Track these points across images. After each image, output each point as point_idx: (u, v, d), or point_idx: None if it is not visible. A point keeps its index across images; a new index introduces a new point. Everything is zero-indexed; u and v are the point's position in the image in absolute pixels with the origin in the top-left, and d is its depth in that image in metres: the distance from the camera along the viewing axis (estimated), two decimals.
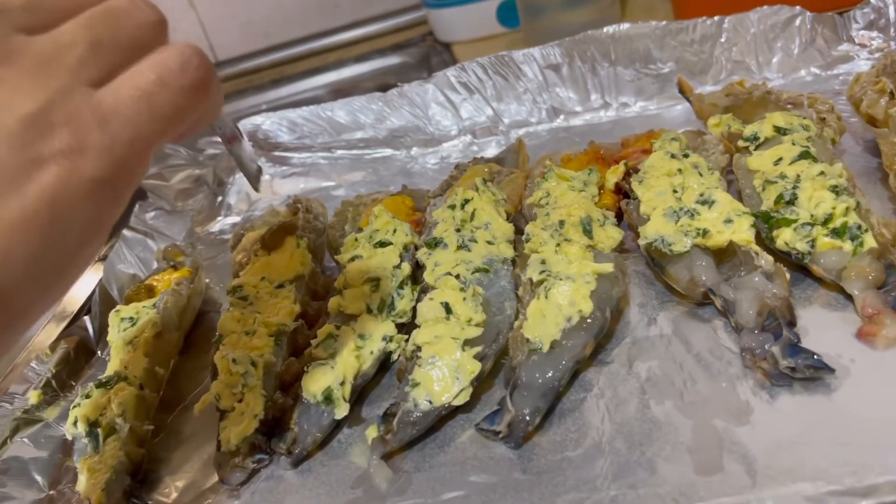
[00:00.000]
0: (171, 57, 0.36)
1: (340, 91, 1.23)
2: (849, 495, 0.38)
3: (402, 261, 0.65)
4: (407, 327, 0.61)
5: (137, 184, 0.36)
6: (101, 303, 0.75)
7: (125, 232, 0.83)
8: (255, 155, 0.61)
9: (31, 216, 0.31)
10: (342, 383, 0.56)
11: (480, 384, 0.56)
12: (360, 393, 0.59)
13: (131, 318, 0.67)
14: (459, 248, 0.63)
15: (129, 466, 0.56)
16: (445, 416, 0.55)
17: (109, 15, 0.36)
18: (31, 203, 0.31)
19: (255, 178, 0.56)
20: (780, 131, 0.65)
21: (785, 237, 0.56)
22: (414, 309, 0.61)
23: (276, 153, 0.97)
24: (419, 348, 0.56)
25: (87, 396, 0.60)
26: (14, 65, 0.33)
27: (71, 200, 0.32)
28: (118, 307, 0.69)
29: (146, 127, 0.35)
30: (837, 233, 0.55)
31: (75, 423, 0.58)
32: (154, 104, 0.35)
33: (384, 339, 0.59)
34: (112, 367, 0.62)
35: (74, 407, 0.59)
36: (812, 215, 0.56)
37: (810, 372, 0.49)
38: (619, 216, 0.66)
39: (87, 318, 0.74)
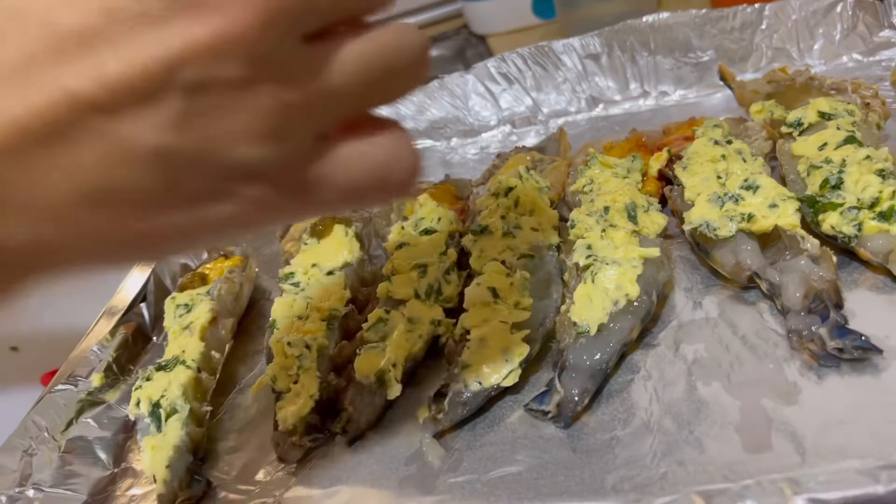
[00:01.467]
0: (400, 138, 0.32)
1: None
2: None
3: (447, 247, 0.66)
4: (454, 312, 0.63)
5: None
6: (155, 291, 0.77)
7: None
8: None
9: (194, 232, 0.29)
10: (394, 365, 0.57)
11: (528, 367, 0.57)
12: (411, 375, 0.61)
13: (186, 305, 0.69)
14: (505, 234, 0.64)
15: (191, 445, 0.59)
16: (495, 397, 0.56)
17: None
18: (202, 225, 0.29)
19: None
20: (825, 116, 0.65)
21: (831, 221, 0.57)
22: (460, 294, 0.63)
23: None
24: (468, 331, 0.58)
25: (149, 379, 0.62)
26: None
27: (223, 236, 0.31)
28: (173, 294, 0.71)
29: (336, 206, 0.31)
30: (884, 216, 0.55)
31: (138, 404, 0.61)
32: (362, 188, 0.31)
33: (433, 322, 0.61)
34: (170, 351, 0.65)
35: (136, 389, 0.62)
36: (858, 199, 0.57)
37: (858, 353, 0.49)
38: (663, 202, 0.67)
39: (143, 306, 0.77)
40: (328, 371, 0.60)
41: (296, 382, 0.59)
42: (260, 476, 0.57)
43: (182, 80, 0.25)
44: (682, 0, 1.14)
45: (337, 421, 0.57)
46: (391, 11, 0.31)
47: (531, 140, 0.90)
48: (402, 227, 0.69)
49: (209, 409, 0.62)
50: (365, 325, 0.61)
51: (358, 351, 0.59)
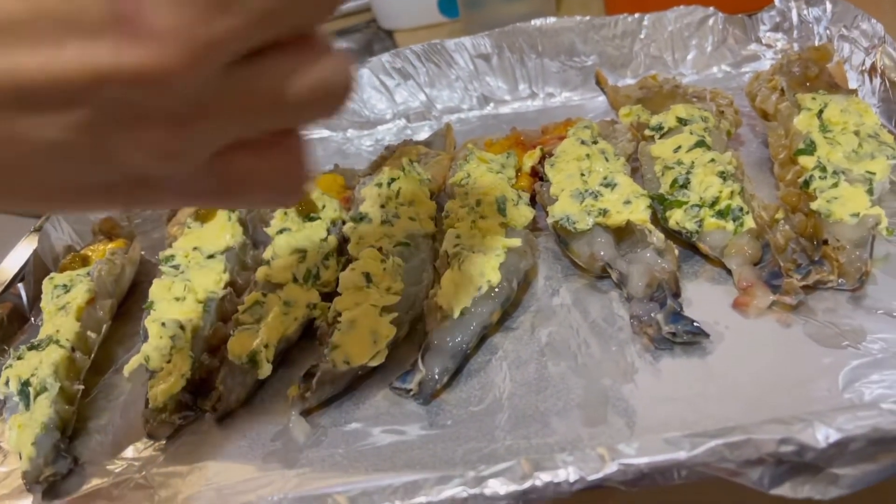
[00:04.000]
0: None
1: None
2: (701, 436, 0.43)
3: (328, 234, 0.69)
4: (332, 297, 0.65)
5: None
6: (35, 271, 0.77)
7: None
8: None
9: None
10: (266, 346, 0.59)
11: (397, 348, 0.60)
12: (285, 357, 0.63)
13: (65, 286, 0.69)
14: (383, 222, 0.67)
15: (60, 423, 0.59)
16: (363, 376, 0.59)
17: None
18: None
19: None
20: (682, 122, 0.71)
21: (676, 217, 0.62)
22: (338, 279, 0.65)
23: None
24: (340, 314, 0.60)
25: (20, 358, 0.62)
26: None
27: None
28: (52, 275, 0.71)
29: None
30: (722, 214, 0.61)
31: (7, 383, 0.60)
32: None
33: (308, 306, 0.63)
34: (45, 330, 0.65)
35: (7, 368, 0.62)
36: (701, 198, 0.62)
37: (689, 337, 0.54)
38: (534, 197, 0.71)
39: (20, 286, 0.76)
40: (203, 352, 0.61)
41: (168, 362, 0.60)
42: (129, 453, 0.58)
43: (100, 97, 0.26)
44: (582, 6, 1.20)
45: (207, 399, 0.58)
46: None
47: (425, 135, 0.92)
48: (286, 213, 0.71)
49: (81, 387, 0.62)
50: (241, 308, 0.63)
51: (232, 332, 0.61)
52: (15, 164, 0.28)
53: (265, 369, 0.59)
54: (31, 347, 0.63)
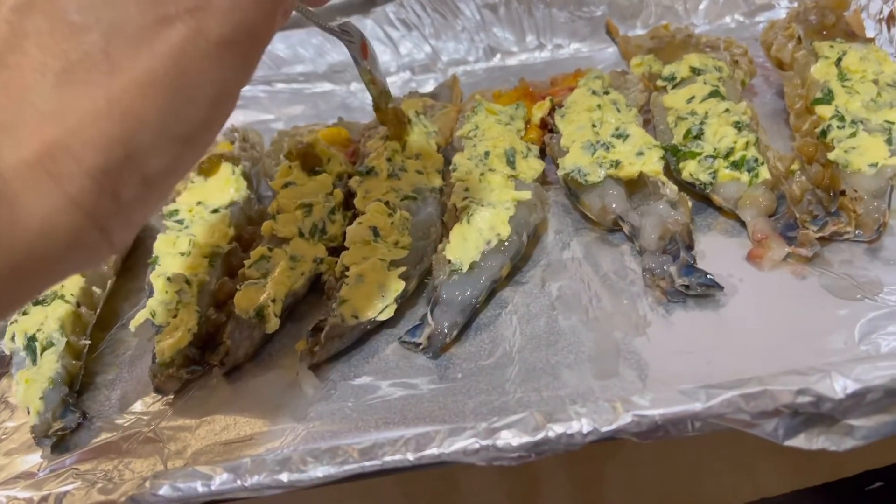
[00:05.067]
0: None
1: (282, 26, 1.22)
2: (717, 388, 0.43)
3: (334, 188, 0.67)
4: (338, 251, 0.64)
5: (264, 47, 0.36)
6: None
7: None
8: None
9: (160, 76, 0.31)
10: (273, 300, 0.59)
11: (406, 302, 0.60)
12: (293, 311, 0.62)
13: None
14: (390, 176, 0.66)
15: (67, 378, 0.59)
16: (371, 330, 0.58)
17: None
18: (160, 62, 0.31)
19: (384, 98, 0.60)
20: (695, 72, 0.69)
21: (690, 169, 0.61)
22: (345, 234, 0.64)
23: None
24: (347, 268, 0.59)
25: (25, 314, 0.61)
26: None
27: (198, 61, 0.32)
28: None
29: None
30: (736, 165, 0.59)
31: (13, 339, 0.60)
32: None
33: (315, 260, 0.62)
34: None
35: (12, 323, 0.61)
36: (715, 149, 0.61)
37: (702, 289, 0.54)
38: (544, 150, 0.70)
39: None
40: (209, 306, 0.61)
41: (175, 317, 0.59)
42: (137, 407, 0.58)
43: None
44: None
45: (214, 353, 0.58)
46: None
47: (430, 87, 0.90)
48: (290, 167, 0.69)
49: (88, 342, 0.62)
50: (247, 262, 0.62)
51: (239, 287, 0.60)
52: None
53: (273, 324, 0.58)
54: (37, 303, 0.62)
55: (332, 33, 0.57)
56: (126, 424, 0.56)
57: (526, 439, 0.44)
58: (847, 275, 0.54)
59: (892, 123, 0.59)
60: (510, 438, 0.44)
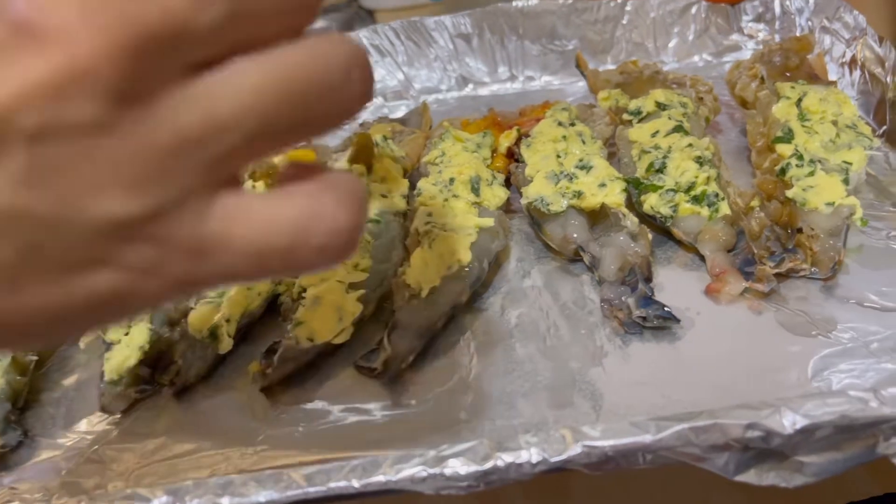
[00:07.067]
0: (329, 192, 0.26)
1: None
2: (668, 420, 0.43)
3: None
4: None
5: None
6: None
7: None
8: None
9: (67, 311, 0.24)
10: (227, 320, 0.58)
11: (364, 326, 0.59)
12: (248, 332, 0.61)
13: None
14: None
15: (11, 395, 0.57)
16: (327, 354, 0.57)
17: (304, 83, 0.24)
18: (75, 300, 0.24)
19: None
20: (661, 107, 0.70)
21: (651, 202, 0.61)
22: None
23: None
24: (304, 290, 0.59)
25: None
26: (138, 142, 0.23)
27: (109, 314, 0.26)
28: None
29: (242, 274, 0.25)
30: (697, 199, 0.60)
31: None
32: (266, 257, 0.25)
33: (273, 280, 0.61)
34: None
35: None
36: (677, 182, 0.61)
37: (659, 321, 0.54)
38: (510, 179, 0.70)
39: None
40: (162, 324, 0.60)
41: (126, 334, 0.58)
42: (82, 426, 0.56)
43: (22, 128, 0.21)
44: None
45: (165, 373, 0.56)
46: None
47: (401, 114, 0.91)
48: (253, 187, 0.69)
49: (35, 358, 0.60)
50: None
51: (193, 305, 0.59)
52: None
53: (226, 344, 0.57)
54: None
55: None
56: (69, 444, 0.55)
57: (474, 468, 0.43)
58: (802, 311, 0.54)
59: (850, 164, 0.60)
60: (458, 467, 0.43)
